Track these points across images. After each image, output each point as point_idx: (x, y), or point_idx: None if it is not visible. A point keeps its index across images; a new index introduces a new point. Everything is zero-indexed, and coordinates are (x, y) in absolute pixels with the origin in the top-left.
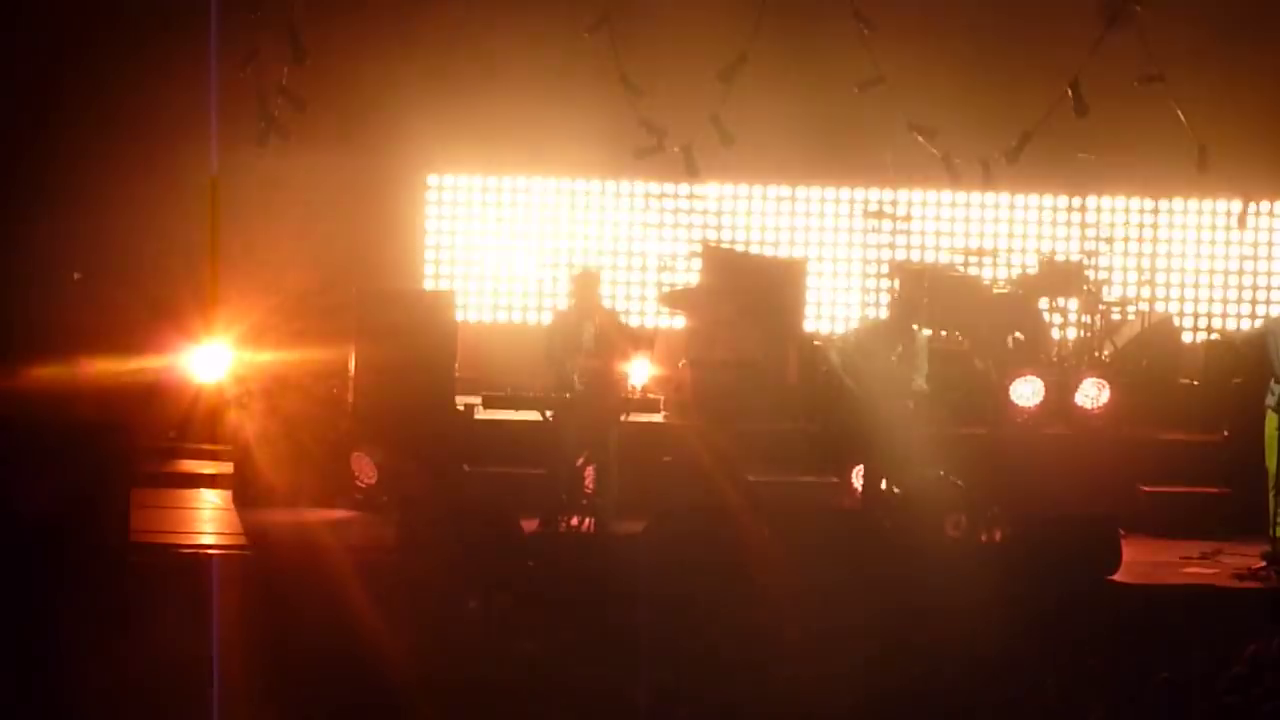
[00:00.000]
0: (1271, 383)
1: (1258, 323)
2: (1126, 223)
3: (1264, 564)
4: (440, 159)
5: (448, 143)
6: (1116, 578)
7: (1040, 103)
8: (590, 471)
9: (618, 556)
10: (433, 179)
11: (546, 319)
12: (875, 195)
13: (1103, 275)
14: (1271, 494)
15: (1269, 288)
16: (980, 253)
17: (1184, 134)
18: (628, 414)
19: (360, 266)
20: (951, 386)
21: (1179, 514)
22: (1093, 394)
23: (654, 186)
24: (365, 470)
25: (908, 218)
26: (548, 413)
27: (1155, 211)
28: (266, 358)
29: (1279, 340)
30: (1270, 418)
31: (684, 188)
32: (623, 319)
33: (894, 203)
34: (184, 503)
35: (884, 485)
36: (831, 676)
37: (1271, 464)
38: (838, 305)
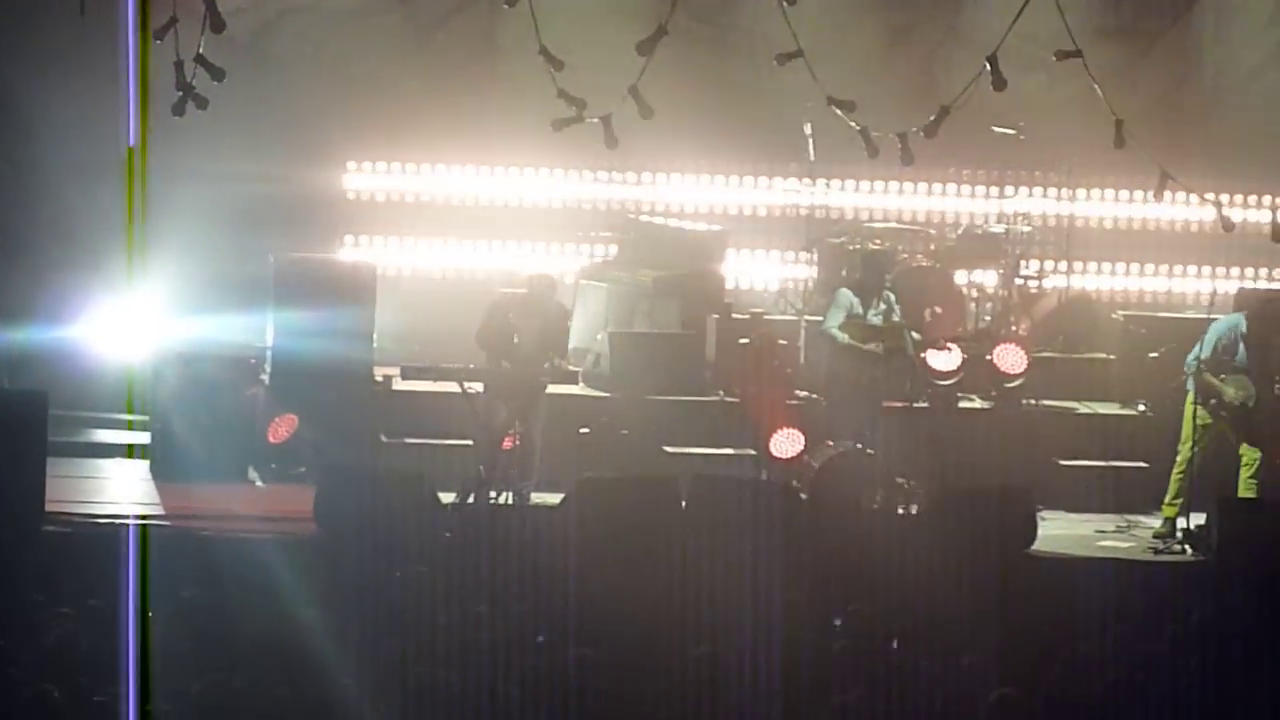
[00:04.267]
0: (1194, 370)
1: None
2: (1044, 196)
3: (1179, 539)
4: (357, 147)
5: (365, 131)
6: (1032, 550)
7: (958, 77)
8: (507, 442)
9: (535, 528)
10: (351, 165)
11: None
12: (794, 168)
13: (1020, 249)
14: (1175, 473)
15: (1184, 262)
16: (898, 225)
17: (1100, 109)
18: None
19: (280, 234)
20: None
21: (1095, 488)
22: (1009, 364)
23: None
24: (281, 432)
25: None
26: (467, 385)
27: (1072, 185)
28: (185, 326)
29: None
30: (1190, 407)
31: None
32: (569, 323)
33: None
34: (101, 473)
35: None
36: (751, 650)
37: (1184, 450)
38: (757, 277)
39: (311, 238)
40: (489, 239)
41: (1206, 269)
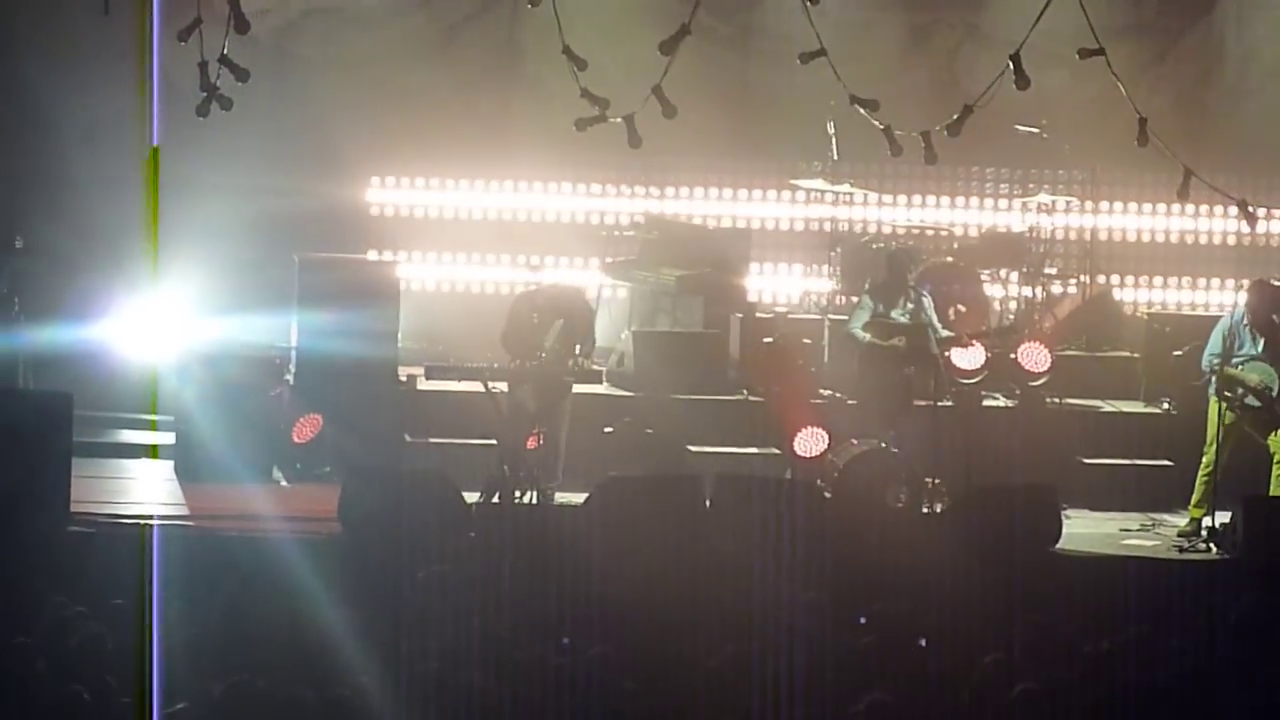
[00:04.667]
0: (1215, 366)
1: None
2: (1067, 205)
3: (1204, 538)
4: (382, 154)
5: (388, 136)
6: (1057, 549)
7: (980, 76)
8: (532, 442)
9: (559, 528)
10: (375, 180)
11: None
12: (818, 167)
13: (1043, 247)
14: (1201, 475)
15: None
16: (921, 225)
17: (1123, 107)
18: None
19: (303, 244)
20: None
21: (1120, 486)
22: (1033, 363)
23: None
24: (306, 432)
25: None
26: (491, 385)
27: (1095, 184)
28: (210, 326)
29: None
30: (1214, 404)
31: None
32: (593, 319)
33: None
34: (125, 473)
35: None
36: (775, 650)
37: (1210, 452)
38: (780, 276)
39: (334, 249)
40: (512, 252)
41: (1230, 281)
